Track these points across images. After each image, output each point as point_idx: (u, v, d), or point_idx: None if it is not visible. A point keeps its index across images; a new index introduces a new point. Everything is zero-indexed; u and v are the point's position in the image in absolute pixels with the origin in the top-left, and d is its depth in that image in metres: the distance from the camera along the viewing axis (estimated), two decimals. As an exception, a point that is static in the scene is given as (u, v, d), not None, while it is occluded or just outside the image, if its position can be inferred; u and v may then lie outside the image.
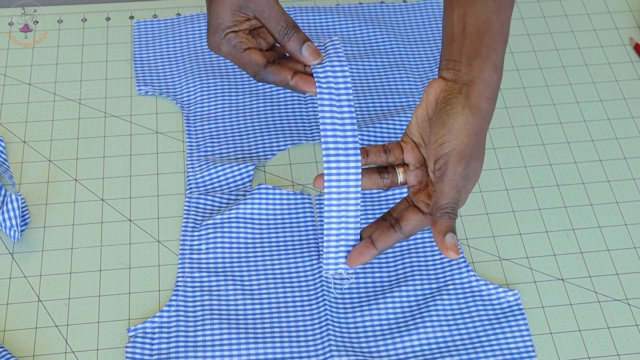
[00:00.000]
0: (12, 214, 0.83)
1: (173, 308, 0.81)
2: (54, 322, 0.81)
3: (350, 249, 0.77)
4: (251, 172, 0.90)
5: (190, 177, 0.91)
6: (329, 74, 0.76)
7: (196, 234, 0.86)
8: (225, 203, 0.88)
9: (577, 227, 0.90)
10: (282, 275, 0.84)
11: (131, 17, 1.06)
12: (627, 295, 0.85)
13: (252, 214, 0.87)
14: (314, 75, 0.76)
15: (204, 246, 0.85)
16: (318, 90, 0.75)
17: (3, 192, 0.86)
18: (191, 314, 0.80)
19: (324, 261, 0.78)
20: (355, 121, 0.75)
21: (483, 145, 0.75)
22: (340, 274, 0.80)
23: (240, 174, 0.90)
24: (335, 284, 0.82)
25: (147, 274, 0.85)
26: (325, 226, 0.76)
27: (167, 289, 0.84)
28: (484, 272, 0.86)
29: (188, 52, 1.01)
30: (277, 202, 0.88)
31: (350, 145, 0.75)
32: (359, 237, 0.77)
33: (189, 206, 0.88)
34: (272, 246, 0.86)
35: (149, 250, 0.86)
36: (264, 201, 0.88)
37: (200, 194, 0.89)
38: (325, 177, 0.75)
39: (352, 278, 0.83)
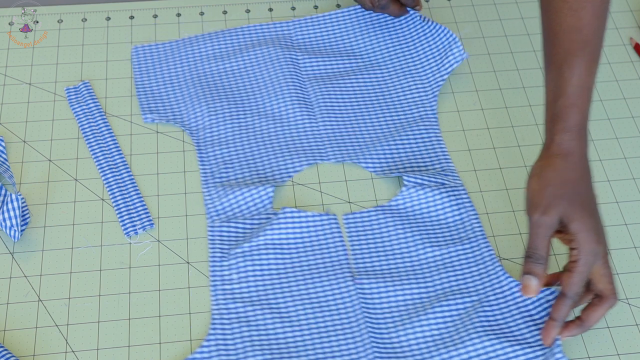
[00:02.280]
0: (12, 213, 0.83)
1: (212, 342, 0.79)
2: (54, 321, 0.81)
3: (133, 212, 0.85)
4: (271, 195, 0.88)
5: (209, 205, 0.89)
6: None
7: (225, 263, 0.84)
8: (249, 229, 0.87)
9: (577, 227, 0.89)
10: (319, 299, 0.82)
11: (131, 17, 1.06)
12: (627, 295, 0.85)
13: (280, 239, 0.86)
14: None
15: (235, 275, 0.84)
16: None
17: (3, 192, 0.86)
18: (231, 347, 0.79)
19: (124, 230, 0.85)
20: None
21: (569, 181, 0.76)
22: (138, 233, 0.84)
23: (260, 197, 0.88)
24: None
25: (147, 273, 0.85)
26: (114, 205, 0.87)
27: (167, 288, 0.84)
28: (484, 272, 0.86)
29: (191, 76, 0.99)
30: (304, 224, 0.87)
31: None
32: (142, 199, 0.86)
33: (212, 235, 0.86)
34: (304, 270, 0.84)
35: (149, 250, 0.86)
36: (290, 225, 0.86)
37: (222, 222, 0.87)
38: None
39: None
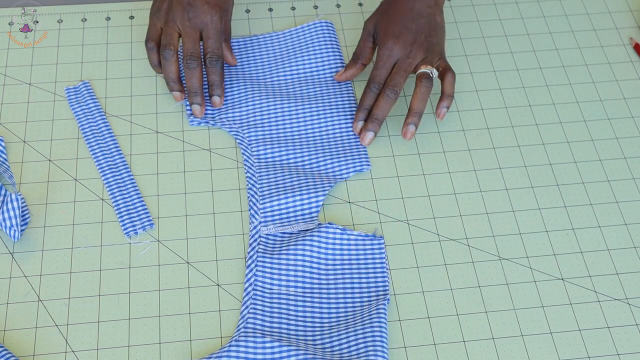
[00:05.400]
0: (12, 213, 0.83)
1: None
2: (54, 321, 0.81)
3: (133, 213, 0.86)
4: (320, 202, 0.88)
5: (254, 201, 0.89)
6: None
7: (267, 263, 0.85)
8: (288, 239, 0.87)
9: (577, 227, 0.90)
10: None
11: (131, 17, 1.06)
12: (627, 295, 0.85)
13: (318, 257, 0.85)
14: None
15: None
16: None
17: (3, 192, 0.86)
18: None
19: (124, 229, 0.87)
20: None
21: None
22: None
23: (309, 204, 0.88)
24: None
25: (147, 273, 0.85)
26: (114, 205, 0.88)
27: (167, 288, 0.84)
28: (484, 272, 0.86)
29: (237, 76, 1.00)
30: (345, 243, 0.86)
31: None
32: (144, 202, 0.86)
33: (256, 236, 0.87)
34: (338, 292, 0.84)
35: (149, 250, 0.86)
36: (330, 241, 0.86)
37: (268, 234, 0.87)
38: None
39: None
